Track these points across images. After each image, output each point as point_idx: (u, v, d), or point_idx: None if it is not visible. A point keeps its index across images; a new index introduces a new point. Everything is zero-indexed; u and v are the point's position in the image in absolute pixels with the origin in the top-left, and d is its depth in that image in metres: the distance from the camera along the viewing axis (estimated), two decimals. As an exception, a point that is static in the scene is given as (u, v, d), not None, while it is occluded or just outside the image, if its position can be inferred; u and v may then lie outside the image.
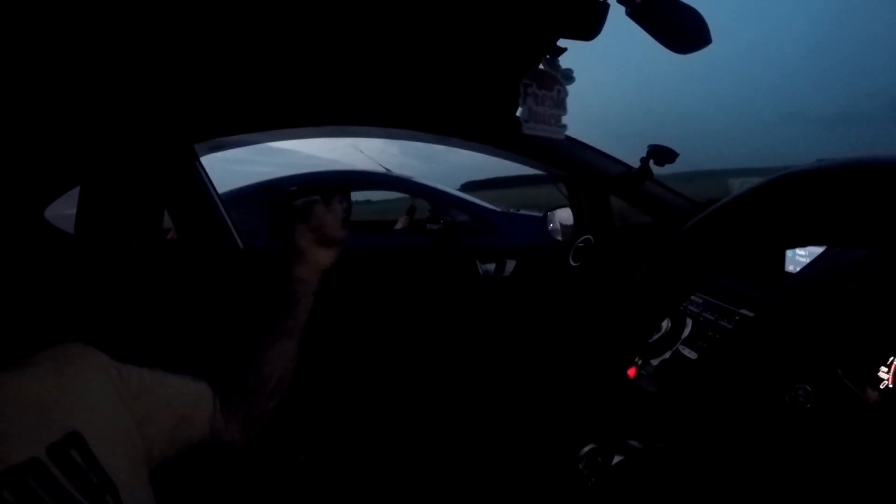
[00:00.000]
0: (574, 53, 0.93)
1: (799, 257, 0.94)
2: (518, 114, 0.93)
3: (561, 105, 0.95)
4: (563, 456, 0.65)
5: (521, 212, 4.03)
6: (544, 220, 1.67)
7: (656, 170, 1.39)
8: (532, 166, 1.59)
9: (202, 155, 1.55)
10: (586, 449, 0.63)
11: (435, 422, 1.45)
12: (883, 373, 0.61)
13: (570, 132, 1.41)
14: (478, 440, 1.37)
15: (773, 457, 0.61)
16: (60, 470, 0.52)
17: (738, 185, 1.37)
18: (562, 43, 0.87)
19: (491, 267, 1.60)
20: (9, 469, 0.49)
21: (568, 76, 0.95)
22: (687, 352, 0.91)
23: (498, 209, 3.92)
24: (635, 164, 1.42)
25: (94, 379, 0.61)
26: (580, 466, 0.63)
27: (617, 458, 0.62)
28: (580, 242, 1.47)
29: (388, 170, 4.26)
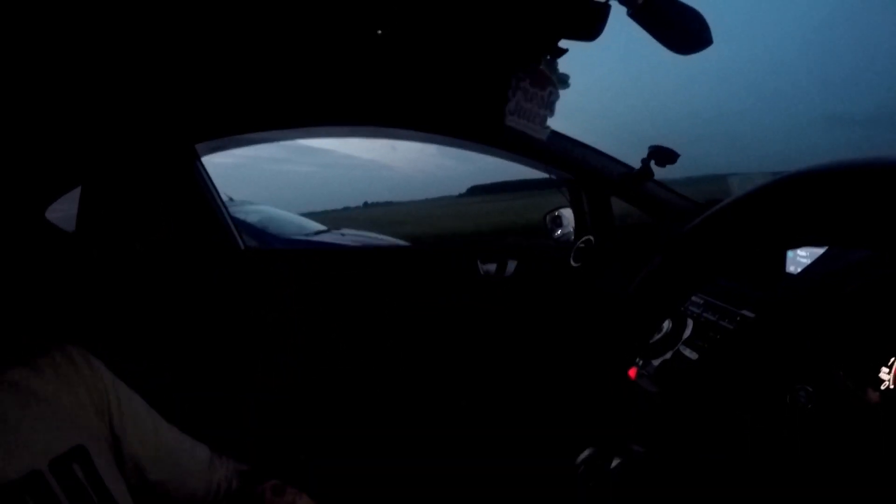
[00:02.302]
0: (577, 54, 0.93)
1: (800, 258, 0.94)
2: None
3: (549, 107, 0.95)
4: (563, 459, 0.65)
5: (322, 238, 4.68)
6: (544, 221, 1.67)
7: (662, 172, 1.39)
8: (534, 167, 1.59)
9: (205, 154, 1.55)
10: (585, 454, 0.63)
11: (435, 422, 1.45)
12: (884, 374, 0.61)
13: (573, 133, 1.42)
14: (478, 441, 1.37)
15: (773, 458, 0.61)
16: (60, 485, 0.50)
17: (736, 186, 1.37)
18: (563, 44, 0.88)
19: (492, 267, 1.60)
20: (7, 484, 0.47)
21: (563, 81, 0.95)
22: (688, 352, 0.91)
23: (285, 236, 4.49)
24: (637, 165, 1.42)
25: (99, 393, 0.59)
26: (579, 470, 0.62)
27: (616, 461, 0.61)
28: (581, 243, 1.47)
29: (231, 199, 4.78)
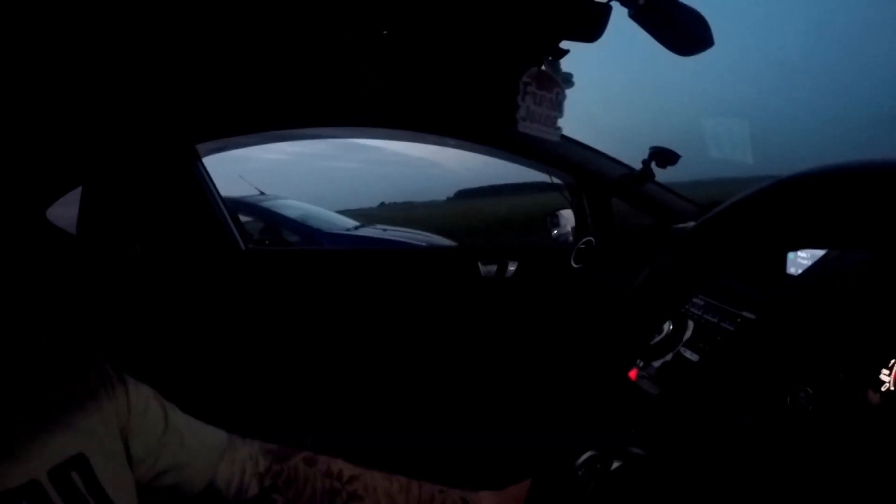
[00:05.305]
0: (578, 55, 0.93)
1: (800, 259, 0.94)
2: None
3: (558, 107, 0.95)
4: (562, 462, 0.64)
5: (359, 232, 4.62)
6: (545, 223, 1.67)
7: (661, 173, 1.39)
8: (536, 169, 1.60)
9: (206, 155, 1.55)
10: (585, 456, 0.63)
11: (436, 423, 1.45)
12: (884, 375, 0.61)
13: (573, 133, 1.42)
14: (478, 442, 1.37)
15: (773, 459, 0.61)
16: (59, 494, 0.49)
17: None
18: (565, 45, 0.88)
19: (492, 269, 1.60)
20: (4, 493, 0.46)
21: (568, 80, 0.96)
22: (688, 354, 0.91)
23: (326, 230, 4.43)
24: (638, 166, 1.43)
25: (106, 391, 0.58)
26: (579, 473, 0.62)
27: (616, 464, 0.61)
28: (582, 244, 1.47)
29: (263, 193, 4.83)
